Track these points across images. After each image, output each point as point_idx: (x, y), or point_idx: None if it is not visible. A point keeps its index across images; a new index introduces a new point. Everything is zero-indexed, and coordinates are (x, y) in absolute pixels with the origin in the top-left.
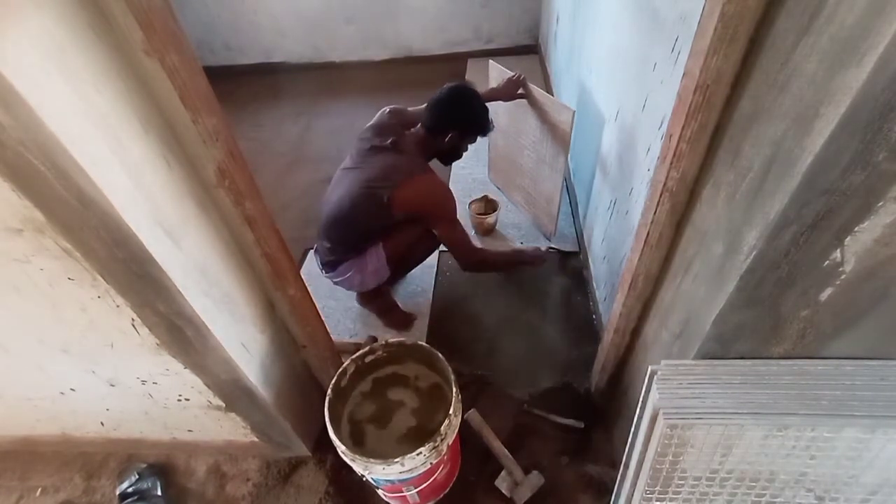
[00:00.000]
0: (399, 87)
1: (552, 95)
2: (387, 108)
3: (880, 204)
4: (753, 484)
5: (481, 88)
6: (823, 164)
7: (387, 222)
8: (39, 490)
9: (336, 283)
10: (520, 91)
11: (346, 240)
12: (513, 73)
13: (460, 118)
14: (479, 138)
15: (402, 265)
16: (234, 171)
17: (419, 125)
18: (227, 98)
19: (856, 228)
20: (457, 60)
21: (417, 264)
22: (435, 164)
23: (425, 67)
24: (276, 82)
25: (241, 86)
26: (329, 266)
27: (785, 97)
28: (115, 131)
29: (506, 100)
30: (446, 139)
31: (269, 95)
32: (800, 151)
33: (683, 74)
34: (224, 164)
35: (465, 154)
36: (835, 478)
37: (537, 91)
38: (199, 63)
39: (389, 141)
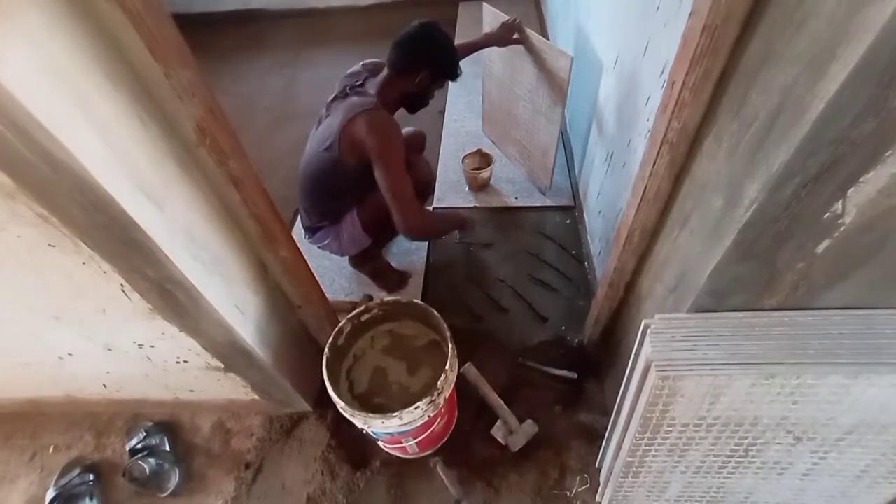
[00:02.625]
0: (387, 34)
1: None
2: (362, 62)
3: (889, 153)
4: (737, 428)
5: (475, 34)
6: (835, 111)
7: (346, 176)
8: (52, 448)
9: (320, 249)
10: (515, 36)
11: (317, 204)
12: (508, 18)
13: (432, 54)
14: (449, 84)
15: (383, 230)
16: (214, 129)
17: (385, 69)
18: (205, 49)
19: (861, 179)
20: (447, 4)
21: None
22: (422, 119)
23: (414, 13)
24: (257, 31)
25: (220, 36)
26: (309, 232)
27: (800, 38)
28: (79, 86)
29: (501, 45)
30: (417, 80)
31: (251, 46)
32: (811, 98)
33: (690, 14)
34: (203, 122)
35: (457, 107)
36: (814, 420)
37: (534, 36)
38: (167, 9)
39: (349, 87)
